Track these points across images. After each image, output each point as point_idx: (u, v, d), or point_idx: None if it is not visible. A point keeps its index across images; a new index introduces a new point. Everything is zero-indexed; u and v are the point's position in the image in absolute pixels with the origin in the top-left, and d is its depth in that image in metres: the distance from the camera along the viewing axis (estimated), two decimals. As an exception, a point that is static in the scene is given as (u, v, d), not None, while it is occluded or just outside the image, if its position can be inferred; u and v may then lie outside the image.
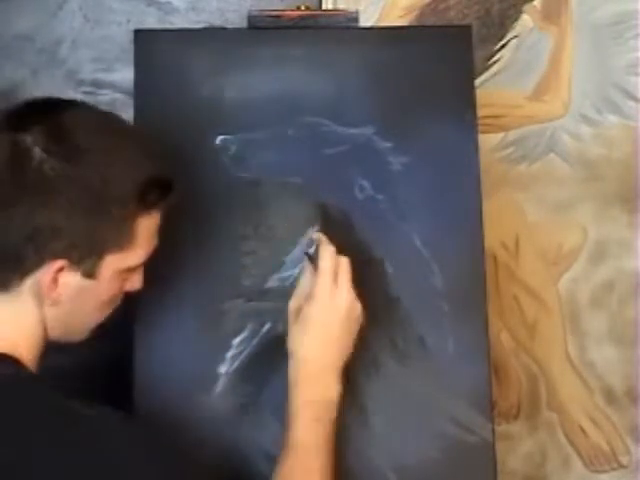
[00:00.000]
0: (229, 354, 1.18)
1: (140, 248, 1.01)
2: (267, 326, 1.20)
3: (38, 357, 1.00)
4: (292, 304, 1.13)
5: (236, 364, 1.18)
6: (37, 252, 0.95)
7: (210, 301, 1.19)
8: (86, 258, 0.97)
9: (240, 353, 1.19)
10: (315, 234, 1.16)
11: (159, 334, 1.18)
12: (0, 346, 0.97)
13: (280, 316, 1.19)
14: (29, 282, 0.97)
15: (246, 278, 1.20)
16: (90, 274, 0.98)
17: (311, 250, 1.14)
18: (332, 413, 1.07)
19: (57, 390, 0.94)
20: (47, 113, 0.98)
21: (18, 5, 1.53)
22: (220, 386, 1.18)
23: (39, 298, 0.98)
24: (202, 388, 1.17)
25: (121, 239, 0.99)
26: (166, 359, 1.17)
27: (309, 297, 1.10)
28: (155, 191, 1.00)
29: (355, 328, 1.11)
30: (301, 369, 1.08)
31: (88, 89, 1.52)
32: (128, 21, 1.53)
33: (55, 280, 0.97)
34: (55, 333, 1.02)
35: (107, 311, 1.05)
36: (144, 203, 0.99)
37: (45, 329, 1.01)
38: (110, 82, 1.52)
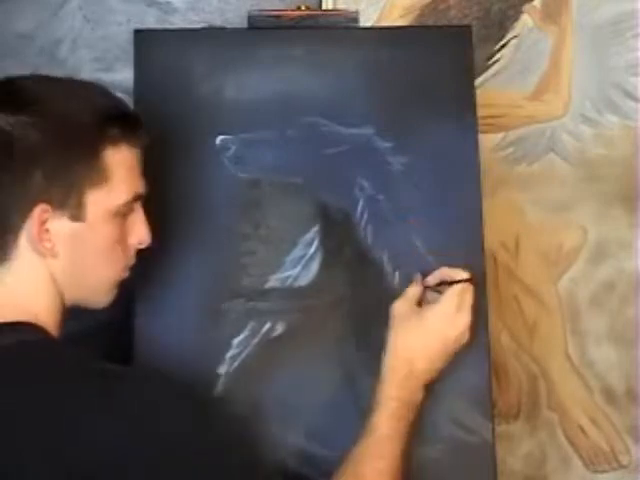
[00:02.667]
0: (229, 354, 1.18)
1: (120, 184, 1.01)
2: (267, 326, 1.19)
3: (59, 322, 1.01)
4: (400, 305, 1.15)
5: (236, 364, 1.18)
6: (17, 205, 0.97)
7: (210, 301, 1.19)
8: (67, 199, 0.98)
9: (240, 353, 1.19)
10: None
11: (159, 334, 1.18)
12: (21, 315, 0.97)
13: (280, 316, 1.20)
14: (23, 240, 0.98)
15: (246, 278, 1.20)
16: (77, 216, 0.99)
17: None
18: (412, 415, 1.11)
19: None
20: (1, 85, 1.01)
21: (18, 5, 1.53)
22: (220, 386, 1.18)
23: (38, 254, 0.98)
24: (202, 388, 1.17)
25: (94, 174, 0.99)
26: (166, 359, 1.17)
27: (434, 305, 1.14)
28: (116, 124, 1.00)
29: (457, 350, 1.14)
30: (396, 366, 1.12)
31: (88, 89, 1.52)
32: (128, 21, 1.53)
33: (44, 230, 0.97)
34: (71, 293, 1.02)
35: (117, 263, 1.05)
36: (107, 136, 1.00)
37: (59, 290, 1.01)
38: (110, 82, 1.51)
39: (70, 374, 0.93)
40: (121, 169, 1.01)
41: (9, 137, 0.96)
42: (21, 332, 0.96)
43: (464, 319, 1.13)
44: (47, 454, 0.88)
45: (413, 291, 1.17)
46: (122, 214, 1.03)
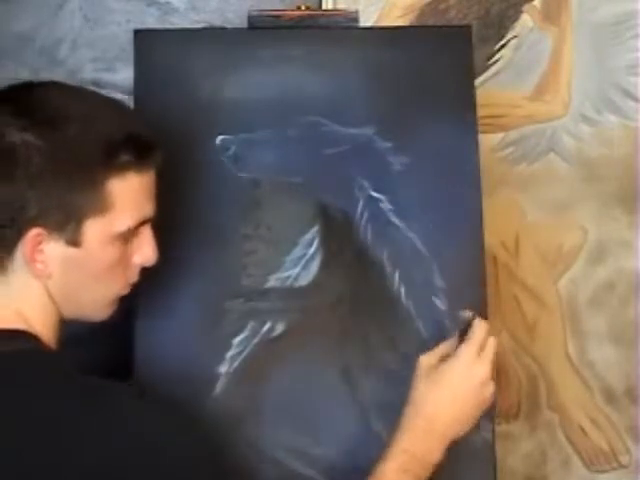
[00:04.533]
0: (229, 354, 1.18)
1: (123, 212, 0.98)
2: (267, 326, 1.20)
3: (56, 334, 1.01)
4: (425, 359, 1.10)
5: (236, 364, 1.18)
6: (12, 223, 0.95)
7: (210, 301, 1.19)
8: (65, 224, 0.96)
9: (240, 353, 1.19)
10: (468, 313, 1.11)
11: (159, 334, 1.18)
12: (16, 323, 0.97)
13: (280, 316, 1.20)
14: (18, 257, 0.97)
15: (246, 278, 1.20)
16: (74, 241, 0.96)
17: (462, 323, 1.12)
18: (424, 472, 1.06)
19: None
20: (18, 92, 0.99)
21: (18, 5, 1.53)
22: (220, 386, 1.18)
23: (32, 273, 0.97)
24: (202, 388, 1.17)
25: (96, 203, 0.96)
26: (166, 359, 1.17)
27: (451, 357, 1.08)
28: (128, 152, 0.98)
29: (481, 407, 1.09)
30: (414, 421, 1.07)
31: (88, 89, 1.53)
32: (128, 21, 1.53)
33: (38, 251, 0.96)
34: (67, 309, 1.01)
35: (116, 283, 1.03)
36: (114, 165, 0.97)
37: (55, 304, 1.00)
38: (110, 82, 1.52)
39: (57, 384, 0.93)
40: (126, 197, 0.98)
41: (13, 154, 0.94)
42: (11, 339, 0.96)
43: (482, 370, 1.07)
44: (32, 460, 0.88)
45: (443, 346, 1.12)
46: (125, 238, 1.00)
